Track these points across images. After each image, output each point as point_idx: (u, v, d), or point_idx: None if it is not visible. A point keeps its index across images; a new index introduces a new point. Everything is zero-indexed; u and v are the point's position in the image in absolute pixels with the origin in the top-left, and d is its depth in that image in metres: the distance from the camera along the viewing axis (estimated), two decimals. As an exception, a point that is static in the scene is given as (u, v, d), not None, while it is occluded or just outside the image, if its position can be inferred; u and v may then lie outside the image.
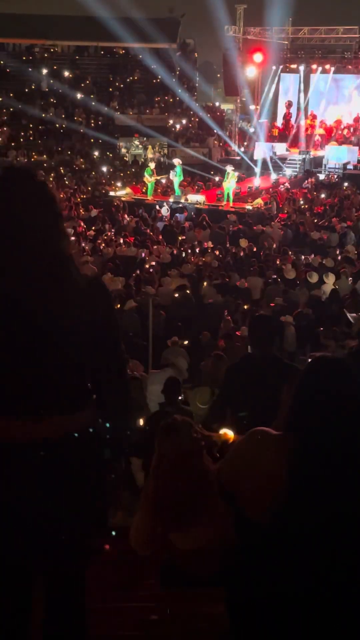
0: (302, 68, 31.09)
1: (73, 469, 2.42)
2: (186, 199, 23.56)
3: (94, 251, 16.97)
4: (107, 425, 2.53)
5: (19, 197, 2.36)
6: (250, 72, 30.74)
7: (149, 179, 24.19)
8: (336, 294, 12.97)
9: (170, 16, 37.53)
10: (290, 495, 1.95)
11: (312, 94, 31.57)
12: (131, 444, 2.68)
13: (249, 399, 4.29)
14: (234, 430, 2.91)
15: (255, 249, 17.48)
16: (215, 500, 2.42)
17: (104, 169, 29.81)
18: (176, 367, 9.31)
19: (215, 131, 32.69)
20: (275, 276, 14.31)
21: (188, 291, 13.06)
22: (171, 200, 23.56)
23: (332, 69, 30.84)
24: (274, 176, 27.24)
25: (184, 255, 16.92)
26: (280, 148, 29.87)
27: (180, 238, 19.06)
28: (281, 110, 32.59)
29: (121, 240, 18.29)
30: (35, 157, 31.62)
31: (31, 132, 32.48)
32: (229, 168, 23.13)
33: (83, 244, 17.71)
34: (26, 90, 34.41)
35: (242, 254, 17.00)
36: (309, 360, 2.18)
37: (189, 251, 17.38)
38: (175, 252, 17.23)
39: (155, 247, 17.71)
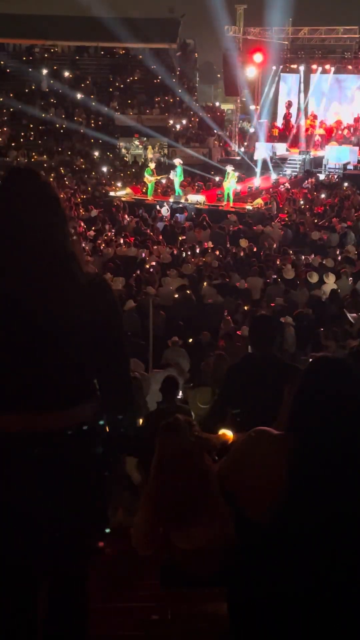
0: (302, 68, 31.09)
1: (72, 466, 2.42)
2: (186, 199, 23.56)
3: (94, 251, 16.98)
4: (110, 422, 2.53)
5: (21, 196, 2.37)
6: (250, 72, 30.74)
7: (149, 179, 24.19)
8: (336, 294, 12.97)
9: (170, 16, 37.56)
10: (291, 495, 1.95)
11: (314, 94, 31.57)
12: (130, 443, 2.66)
13: (249, 399, 4.29)
14: (232, 429, 2.92)
15: (255, 249, 17.48)
16: (216, 500, 2.42)
17: (104, 169, 29.82)
18: (178, 367, 9.33)
19: (215, 131, 32.70)
20: (275, 276, 14.32)
21: (188, 291, 13.07)
22: (171, 200, 23.57)
23: (332, 69, 30.83)
24: (274, 176, 27.24)
25: (184, 255, 16.92)
26: (281, 148, 29.86)
27: (180, 238, 19.07)
28: (281, 111, 32.59)
29: (121, 241, 18.29)
30: (35, 157, 31.63)
31: (31, 132, 32.47)
32: (229, 168, 23.13)
33: (83, 244, 17.72)
34: (26, 90, 34.43)
35: (242, 254, 16.99)
36: (310, 360, 2.18)
37: (189, 252, 17.38)
38: (175, 252, 17.23)
39: (155, 247, 17.71)
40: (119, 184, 26.81)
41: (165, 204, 23.23)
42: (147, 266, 15.51)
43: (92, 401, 2.50)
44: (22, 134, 32.39)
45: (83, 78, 35.71)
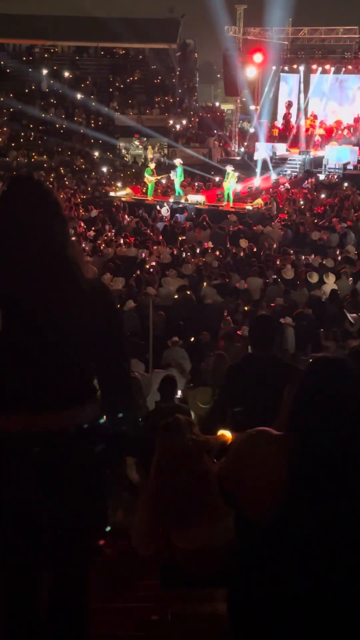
0: (302, 68, 31.09)
1: (72, 466, 2.44)
2: (186, 199, 23.57)
3: (94, 251, 16.98)
4: (110, 421, 2.56)
5: (23, 202, 2.42)
6: (250, 72, 30.73)
7: (149, 179, 24.19)
8: (336, 295, 12.97)
9: (170, 16, 37.55)
10: (291, 495, 1.95)
11: (315, 95, 31.57)
12: (130, 442, 2.68)
13: (249, 399, 4.29)
14: (231, 429, 2.92)
15: (255, 250, 17.48)
16: (216, 500, 2.42)
17: (104, 169, 29.82)
18: (180, 367, 9.34)
19: (215, 131, 32.71)
20: (275, 276, 14.32)
21: (188, 292, 13.07)
22: (171, 200, 23.57)
23: (332, 69, 30.84)
24: (274, 176, 27.23)
25: (184, 255, 16.92)
26: (281, 148, 29.86)
27: (180, 238, 19.06)
28: (281, 111, 32.59)
29: (121, 241, 18.29)
30: (35, 157, 31.64)
31: (31, 132, 32.48)
32: (229, 168, 23.14)
33: (83, 245, 17.72)
34: (26, 90, 34.43)
35: (242, 254, 16.99)
36: (310, 360, 2.18)
37: (189, 252, 17.37)
38: (175, 252, 17.23)
39: (155, 247, 17.70)
40: (119, 184, 26.80)
41: (165, 204, 23.23)
42: (147, 266, 15.51)
43: (92, 402, 2.52)
44: (22, 134, 32.39)
45: (83, 78, 35.72)
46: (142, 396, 7.96)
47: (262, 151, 28.81)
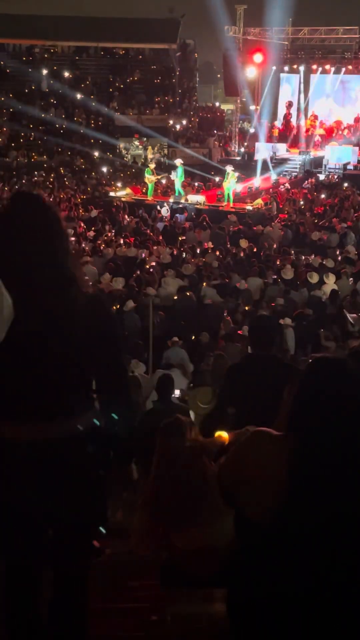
0: (302, 68, 31.09)
1: (71, 467, 2.51)
2: (186, 200, 23.57)
3: (94, 252, 16.97)
4: (105, 423, 2.64)
5: (24, 218, 2.50)
6: (250, 72, 30.73)
7: (150, 179, 24.19)
8: (336, 295, 12.97)
9: (170, 16, 37.54)
10: (291, 496, 1.95)
11: (318, 95, 31.57)
12: (126, 443, 2.76)
13: (249, 399, 4.28)
14: (228, 429, 2.92)
15: (255, 250, 17.48)
16: (216, 500, 2.42)
17: (104, 169, 29.81)
18: (182, 368, 9.35)
19: (215, 132, 32.71)
20: (275, 277, 14.32)
21: (188, 293, 13.07)
22: (171, 200, 23.56)
23: (332, 69, 30.83)
24: (274, 176, 27.22)
25: (184, 255, 16.91)
26: (281, 148, 29.86)
27: (180, 239, 19.06)
28: (281, 111, 32.58)
29: (121, 241, 18.28)
30: (35, 157, 31.63)
31: (31, 132, 32.48)
32: (229, 168, 23.13)
33: (83, 245, 17.72)
34: (26, 90, 34.44)
35: (242, 254, 16.99)
36: (310, 360, 2.18)
37: (189, 252, 17.36)
38: (175, 252, 17.22)
39: (155, 247, 17.70)
40: (119, 184, 26.80)
41: (165, 204, 23.23)
42: (147, 266, 15.51)
43: (90, 413, 2.62)
44: (22, 134, 32.38)
45: (83, 78, 35.72)
46: (142, 396, 7.96)
47: (262, 151, 28.81)
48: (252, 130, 32.68)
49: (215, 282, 14.04)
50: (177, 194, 23.88)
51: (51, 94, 34.43)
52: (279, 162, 28.59)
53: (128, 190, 25.91)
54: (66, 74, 35.37)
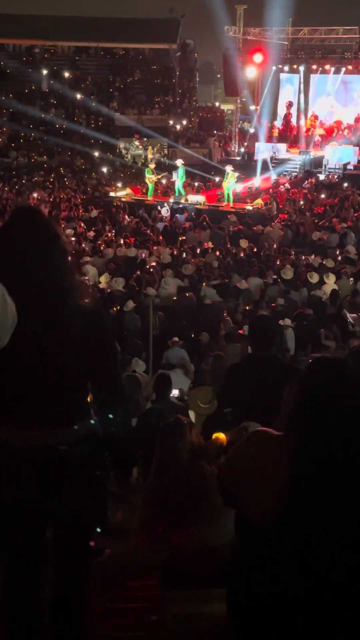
0: (302, 68, 31.09)
1: (71, 470, 2.56)
2: (186, 200, 23.57)
3: (94, 252, 16.97)
4: (102, 423, 2.72)
5: (25, 233, 2.57)
6: (250, 72, 30.73)
7: (151, 179, 24.19)
8: (336, 295, 12.97)
9: (170, 16, 37.56)
10: (291, 496, 1.95)
11: (316, 95, 31.55)
12: (124, 443, 2.81)
13: (249, 399, 4.28)
14: (225, 430, 2.92)
15: (255, 250, 17.47)
16: (215, 500, 2.42)
17: (104, 169, 29.81)
18: (184, 368, 9.35)
19: (215, 131, 32.71)
20: (275, 277, 14.32)
21: (188, 294, 13.07)
22: (171, 200, 23.56)
23: (332, 69, 30.84)
24: (274, 176, 27.22)
25: (184, 256, 16.91)
26: (281, 148, 29.86)
27: (180, 239, 19.05)
28: (281, 111, 32.59)
29: (121, 241, 18.28)
30: (35, 157, 31.63)
31: (31, 132, 32.49)
32: (229, 168, 23.13)
33: (83, 245, 17.71)
34: (26, 90, 34.45)
35: (242, 254, 16.98)
36: (310, 360, 2.18)
37: (189, 252, 17.35)
38: (175, 252, 17.22)
39: (155, 247, 17.69)
40: (119, 185, 26.80)
41: (165, 204, 23.22)
42: (148, 267, 15.50)
43: (88, 415, 2.71)
44: (22, 134, 32.39)
45: (83, 78, 35.73)
46: (142, 396, 7.97)
47: (262, 151, 28.81)
48: (252, 130, 32.68)
49: (215, 282, 14.03)
50: (177, 194, 23.89)
51: (51, 94, 34.44)
52: (279, 162, 28.59)
53: (128, 191, 25.91)
54: (66, 74, 35.39)
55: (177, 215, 22.40)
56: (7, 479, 2.51)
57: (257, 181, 26.20)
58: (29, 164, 30.92)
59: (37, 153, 31.89)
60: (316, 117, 31.31)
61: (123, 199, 24.62)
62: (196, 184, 25.85)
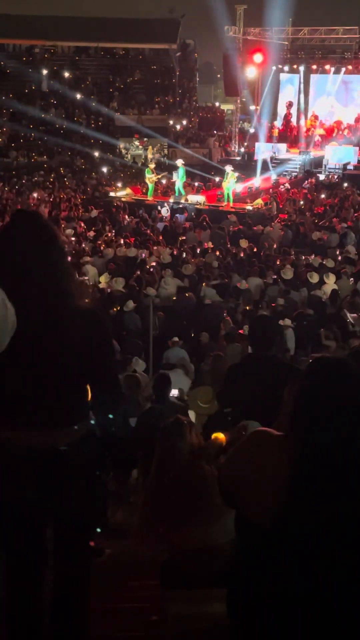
0: (302, 68, 31.10)
1: (71, 471, 2.57)
2: (186, 200, 23.56)
3: (94, 252, 16.97)
4: (101, 423, 2.74)
5: (24, 236, 2.59)
6: (250, 72, 30.74)
7: (151, 179, 24.18)
8: (336, 295, 12.97)
9: (170, 16, 37.58)
10: (291, 496, 1.95)
11: (316, 95, 31.53)
12: (123, 443, 2.84)
13: (249, 399, 4.28)
14: (224, 430, 2.93)
15: (255, 250, 17.47)
16: (215, 500, 2.42)
17: (104, 169, 29.81)
18: (185, 368, 9.34)
19: (215, 131, 32.71)
20: (275, 277, 14.31)
21: (187, 293, 13.06)
22: (171, 200, 23.56)
23: (332, 69, 30.85)
24: (274, 176, 27.22)
25: (184, 256, 16.91)
26: (281, 148, 29.87)
27: (180, 239, 19.05)
28: (281, 111, 32.60)
29: (121, 241, 18.28)
30: (35, 157, 31.62)
31: (31, 132, 32.49)
32: (229, 168, 23.13)
33: (83, 245, 17.71)
34: (26, 90, 34.46)
35: (242, 254, 16.98)
36: (310, 361, 2.18)
37: (189, 252, 17.35)
38: (175, 252, 17.22)
39: (155, 247, 17.69)
40: (119, 185, 26.81)
41: (165, 204, 23.23)
42: (148, 267, 15.50)
43: (87, 421, 2.72)
44: (22, 134, 32.39)
45: (83, 78, 35.73)
46: (142, 396, 7.96)
47: (262, 151, 28.80)
48: (252, 130, 32.69)
49: (215, 282, 14.02)
50: (177, 194, 23.88)
51: (51, 94, 34.44)
52: (279, 162, 28.59)
53: (128, 191, 25.91)
54: (66, 74, 35.39)
55: (177, 215, 22.39)
56: (7, 479, 2.52)
57: (257, 181, 26.20)
58: (29, 164, 30.91)
59: (37, 153, 31.89)
60: (316, 117, 31.31)
61: (123, 199, 24.63)
62: (196, 184, 25.85)
